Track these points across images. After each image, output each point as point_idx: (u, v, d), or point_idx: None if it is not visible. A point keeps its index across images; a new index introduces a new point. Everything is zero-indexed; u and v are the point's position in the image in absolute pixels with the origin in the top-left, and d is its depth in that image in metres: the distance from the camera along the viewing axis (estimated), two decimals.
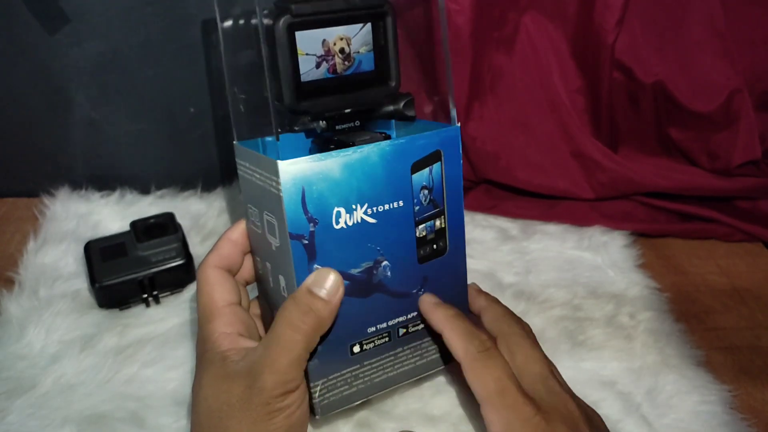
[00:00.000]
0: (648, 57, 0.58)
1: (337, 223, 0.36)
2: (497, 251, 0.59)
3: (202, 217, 0.62)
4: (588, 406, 0.38)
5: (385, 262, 0.38)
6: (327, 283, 0.35)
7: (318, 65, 0.36)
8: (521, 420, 0.34)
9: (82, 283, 0.53)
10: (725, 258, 0.61)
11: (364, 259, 0.37)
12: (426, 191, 0.38)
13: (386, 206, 0.37)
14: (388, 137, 0.37)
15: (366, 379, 0.39)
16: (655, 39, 0.58)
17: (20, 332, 0.48)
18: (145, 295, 0.51)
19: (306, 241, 0.35)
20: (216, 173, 0.66)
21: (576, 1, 0.56)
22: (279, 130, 0.35)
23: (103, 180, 0.65)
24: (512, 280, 0.56)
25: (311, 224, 0.35)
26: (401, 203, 0.37)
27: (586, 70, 0.59)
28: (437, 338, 0.40)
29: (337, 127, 0.38)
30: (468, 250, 0.42)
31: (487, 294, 0.43)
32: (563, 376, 0.39)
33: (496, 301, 0.43)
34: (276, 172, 0.34)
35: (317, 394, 0.37)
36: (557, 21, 0.58)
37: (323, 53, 0.36)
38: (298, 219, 0.34)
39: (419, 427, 0.41)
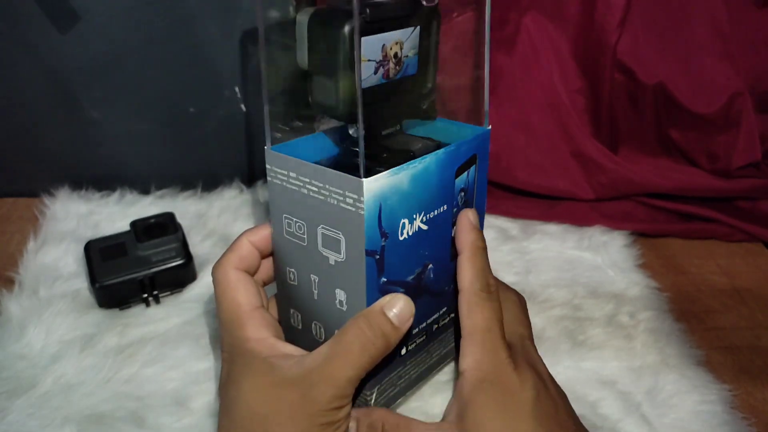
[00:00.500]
0: (649, 58, 0.58)
1: (402, 234, 0.35)
2: (497, 251, 0.59)
3: (202, 217, 0.62)
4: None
5: (430, 266, 0.38)
6: (401, 310, 0.35)
7: (376, 71, 0.35)
8: (493, 360, 0.35)
9: (82, 283, 0.53)
10: (725, 258, 0.61)
11: (417, 266, 0.37)
12: (463, 193, 0.39)
13: (436, 212, 0.37)
14: (434, 142, 0.38)
15: (406, 377, 0.40)
16: (656, 40, 0.58)
17: (20, 332, 0.48)
18: (146, 295, 0.51)
19: (378, 257, 0.35)
20: (216, 173, 0.66)
21: (577, 1, 0.56)
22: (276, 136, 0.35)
23: (104, 180, 0.65)
24: (512, 279, 0.56)
25: (383, 239, 0.34)
26: (445, 207, 0.38)
27: (586, 71, 0.59)
28: (457, 328, 0.40)
29: (383, 133, 0.37)
30: None
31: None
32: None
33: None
34: (356, 190, 0.33)
35: (373, 401, 0.38)
36: (558, 21, 0.58)
37: (381, 58, 0.35)
38: (374, 235, 0.34)
39: None
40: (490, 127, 0.39)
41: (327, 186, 0.34)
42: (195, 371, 0.46)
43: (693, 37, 0.58)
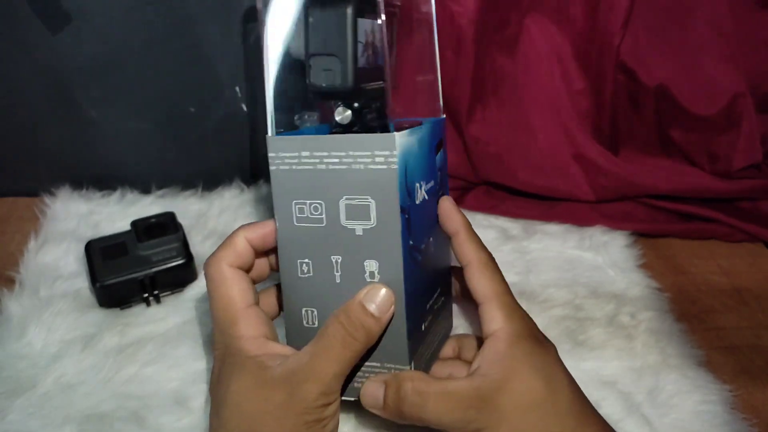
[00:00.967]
0: (651, 59, 0.58)
1: (417, 197, 0.37)
2: (498, 251, 0.59)
3: (202, 216, 0.62)
4: None
5: (431, 238, 0.40)
6: (378, 299, 0.35)
7: (363, 54, 0.37)
8: (520, 317, 0.37)
9: (82, 283, 0.53)
10: (726, 258, 0.61)
11: (426, 235, 0.39)
12: (439, 173, 0.41)
13: (431, 184, 0.39)
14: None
15: (424, 353, 0.40)
16: (658, 42, 0.58)
17: (21, 332, 0.48)
18: (146, 295, 0.51)
19: (407, 215, 0.36)
20: (216, 173, 0.66)
21: (580, 3, 0.56)
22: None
23: (104, 179, 0.65)
24: (513, 279, 0.55)
25: (408, 198, 0.36)
26: (433, 183, 0.40)
27: (588, 73, 0.59)
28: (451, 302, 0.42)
29: (368, 116, 0.38)
30: None
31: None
32: None
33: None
34: (388, 146, 0.34)
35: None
36: (560, 23, 0.58)
37: (364, 43, 0.37)
38: (403, 192, 0.35)
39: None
40: (444, 116, 0.42)
41: (351, 152, 0.35)
42: (195, 371, 0.46)
43: (695, 39, 0.58)
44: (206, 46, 0.59)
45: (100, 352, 0.47)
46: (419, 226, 0.37)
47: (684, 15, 0.57)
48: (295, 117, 0.40)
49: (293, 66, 0.37)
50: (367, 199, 0.36)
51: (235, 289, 0.37)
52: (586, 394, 0.37)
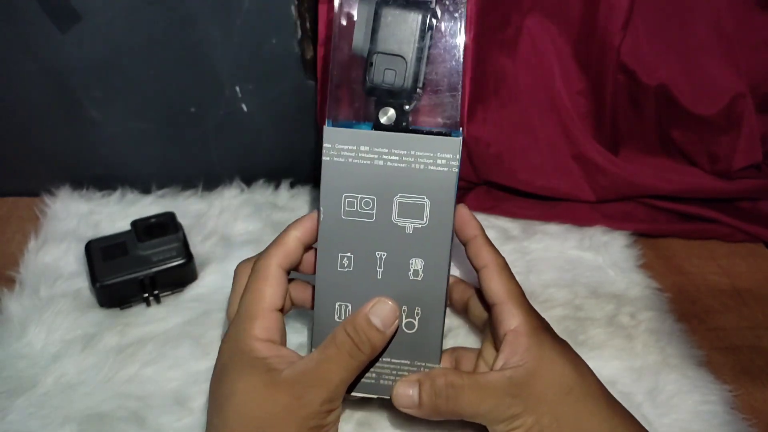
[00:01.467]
0: (651, 59, 0.58)
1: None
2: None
3: (202, 216, 0.62)
4: None
5: None
6: (383, 313, 0.36)
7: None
8: (536, 315, 0.39)
9: (82, 283, 0.53)
10: (726, 258, 0.61)
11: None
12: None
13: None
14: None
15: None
16: (658, 41, 0.58)
17: (21, 331, 0.48)
18: (146, 295, 0.51)
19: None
20: (216, 173, 0.66)
21: (580, 3, 0.56)
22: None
23: (104, 179, 0.65)
24: None
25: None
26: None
27: (588, 73, 0.59)
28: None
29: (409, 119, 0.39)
30: None
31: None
32: None
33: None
34: (452, 149, 0.36)
35: None
36: (560, 23, 0.58)
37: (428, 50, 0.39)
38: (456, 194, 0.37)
39: (419, 424, 0.41)
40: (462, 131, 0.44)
41: (413, 152, 0.37)
42: (195, 371, 0.46)
43: (695, 39, 0.58)
44: (206, 46, 0.59)
45: (100, 352, 0.47)
46: None
47: (684, 15, 0.57)
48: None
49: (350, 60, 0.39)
50: (422, 198, 0.37)
51: (271, 289, 0.37)
52: None
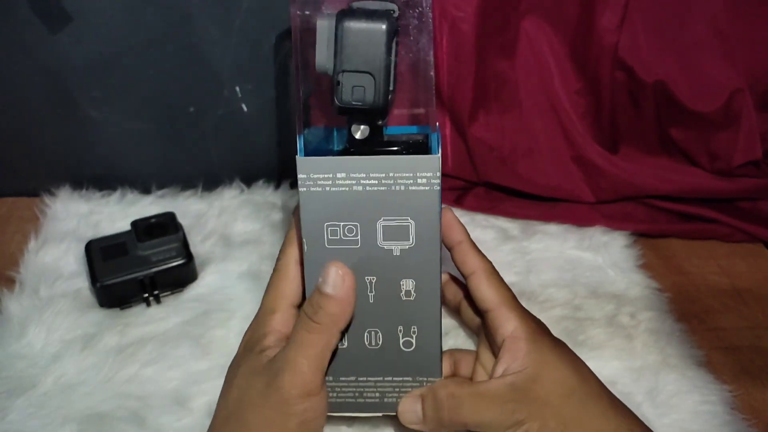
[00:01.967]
0: (649, 56, 0.58)
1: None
2: (498, 251, 0.59)
3: (202, 216, 0.62)
4: None
5: None
6: (329, 277, 0.35)
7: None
8: (531, 318, 0.39)
9: (82, 283, 0.53)
10: (726, 258, 0.61)
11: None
12: None
13: None
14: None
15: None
16: (656, 38, 0.58)
17: (21, 331, 0.48)
18: (146, 295, 0.51)
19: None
20: (216, 173, 0.66)
21: (576, 2, 0.56)
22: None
23: (104, 180, 0.65)
24: (513, 279, 0.56)
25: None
26: None
27: (586, 72, 0.59)
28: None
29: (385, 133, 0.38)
30: None
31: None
32: None
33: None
34: (431, 168, 0.35)
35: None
36: (556, 24, 0.58)
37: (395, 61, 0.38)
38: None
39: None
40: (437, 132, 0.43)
41: (392, 174, 0.35)
42: (195, 371, 0.46)
43: (693, 35, 0.58)
44: (206, 46, 0.59)
45: (100, 352, 0.47)
46: None
47: (681, 11, 0.57)
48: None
49: (317, 81, 0.37)
50: (406, 220, 0.36)
51: (290, 286, 0.38)
52: None
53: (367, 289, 0.37)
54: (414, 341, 0.38)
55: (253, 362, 0.36)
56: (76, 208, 0.62)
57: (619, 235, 0.61)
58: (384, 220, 0.36)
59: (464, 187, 0.66)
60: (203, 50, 0.59)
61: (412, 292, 0.37)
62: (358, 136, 0.37)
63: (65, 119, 0.62)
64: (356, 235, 0.37)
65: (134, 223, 0.54)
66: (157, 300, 0.52)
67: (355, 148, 0.37)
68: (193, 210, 0.62)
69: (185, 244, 0.54)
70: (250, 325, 0.39)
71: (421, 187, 0.35)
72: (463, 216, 0.62)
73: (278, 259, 0.39)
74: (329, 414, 0.38)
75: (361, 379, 0.39)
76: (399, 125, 0.40)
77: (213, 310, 0.51)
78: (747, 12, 0.57)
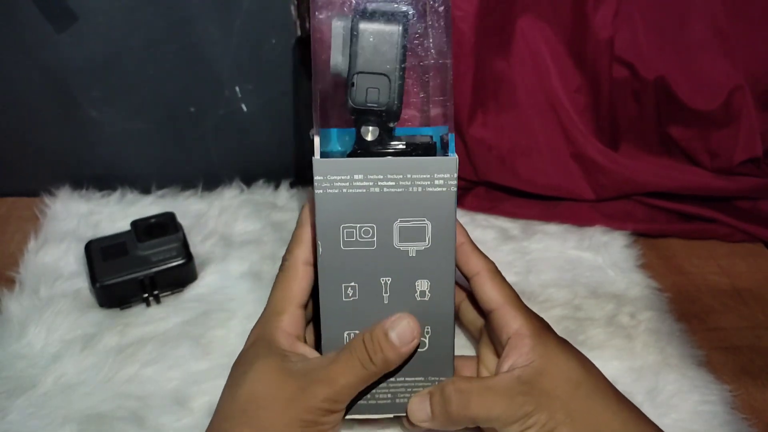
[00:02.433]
0: (649, 54, 0.58)
1: None
2: (497, 251, 0.59)
3: (202, 216, 0.62)
4: None
5: None
6: (400, 327, 0.36)
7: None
8: (535, 317, 0.39)
9: (82, 283, 0.53)
10: (726, 258, 0.61)
11: None
12: None
13: None
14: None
15: None
16: (656, 36, 0.58)
17: (21, 331, 0.48)
18: (146, 295, 0.51)
19: None
20: (216, 173, 0.66)
21: (570, 0, 0.57)
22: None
23: (104, 180, 0.65)
24: (512, 279, 0.55)
25: None
26: None
27: (584, 69, 0.59)
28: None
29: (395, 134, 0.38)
30: None
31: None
32: None
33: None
34: (449, 169, 0.35)
35: None
36: (553, 22, 0.58)
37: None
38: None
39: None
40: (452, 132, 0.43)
41: (409, 175, 0.35)
42: (195, 371, 0.46)
43: (692, 33, 0.58)
44: (206, 46, 0.59)
45: (99, 352, 0.47)
46: None
47: (681, 9, 0.57)
48: (311, 131, 0.40)
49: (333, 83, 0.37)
50: (423, 221, 0.36)
51: (298, 287, 0.38)
52: None
53: (381, 290, 0.38)
54: (427, 341, 0.39)
55: (276, 363, 0.36)
56: (76, 208, 0.62)
57: (619, 235, 0.61)
58: (401, 221, 0.36)
59: (464, 187, 0.66)
60: (203, 50, 0.59)
61: (427, 292, 0.37)
62: (369, 137, 0.37)
63: (65, 119, 0.62)
64: (372, 237, 0.37)
65: (134, 223, 0.54)
66: (157, 300, 0.52)
67: (364, 150, 0.37)
68: (193, 210, 0.62)
69: (185, 244, 0.54)
70: (257, 323, 0.39)
71: (438, 188, 0.36)
72: (463, 216, 0.62)
73: (285, 259, 0.39)
74: (356, 421, 0.39)
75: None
76: (412, 126, 0.40)
77: (213, 310, 0.51)
78: (747, 11, 0.57)
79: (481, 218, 0.63)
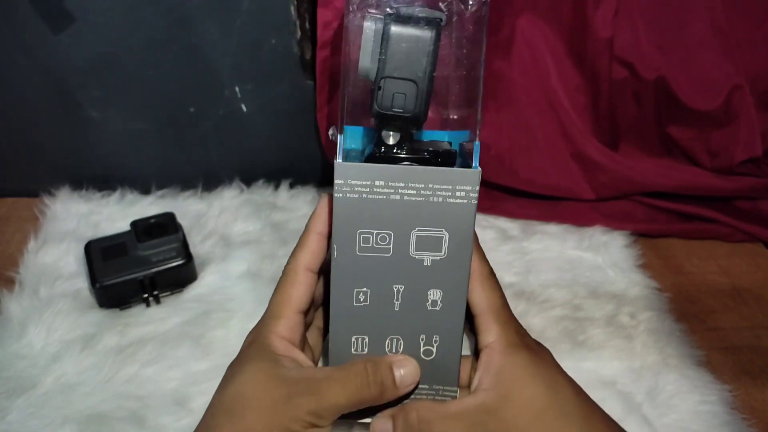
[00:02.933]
0: (649, 54, 0.58)
1: None
2: (497, 251, 0.59)
3: (202, 217, 0.62)
4: None
5: None
6: (405, 369, 0.37)
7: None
8: (514, 330, 0.38)
9: (82, 283, 0.53)
10: (726, 258, 0.61)
11: None
12: None
13: None
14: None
15: None
16: (656, 36, 0.58)
17: (21, 332, 0.48)
18: (146, 295, 0.51)
19: None
20: (216, 173, 0.66)
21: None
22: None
23: (104, 180, 0.65)
24: (512, 279, 0.56)
25: None
26: None
27: (584, 68, 0.59)
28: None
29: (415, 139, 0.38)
30: None
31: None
32: None
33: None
34: (471, 181, 0.35)
35: None
36: (552, 21, 0.58)
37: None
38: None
39: None
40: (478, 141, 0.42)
41: (431, 185, 0.35)
42: (195, 371, 0.46)
43: (692, 33, 0.58)
44: (206, 46, 0.59)
45: (99, 352, 0.47)
46: None
47: (681, 9, 0.57)
48: (329, 131, 0.39)
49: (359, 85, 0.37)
50: (441, 231, 0.36)
51: (297, 292, 0.38)
52: None
53: (393, 297, 0.37)
54: (435, 350, 0.38)
55: (268, 367, 0.35)
56: (76, 209, 0.62)
57: (619, 235, 0.61)
58: (418, 230, 0.36)
59: None
60: (203, 50, 0.59)
61: (439, 302, 0.37)
62: (390, 141, 0.36)
63: (65, 119, 0.62)
64: (389, 244, 0.36)
65: (134, 224, 0.54)
66: (157, 300, 0.52)
67: (384, 154, 0.37)
68: (192, 210, 0.63)
69: (185, 245, 0.54)
70: (255, 327, 0.39)
71: (459, 200, 0.35)
72: None
73: (287, 263, 0.39)
74: (350, 420, 0.38)
75: None
76: (432, 129, 0.40)
77: (213, 310, 0.51)
78: (747, 11, 0.57)
79: (481, 218, 0.63)
